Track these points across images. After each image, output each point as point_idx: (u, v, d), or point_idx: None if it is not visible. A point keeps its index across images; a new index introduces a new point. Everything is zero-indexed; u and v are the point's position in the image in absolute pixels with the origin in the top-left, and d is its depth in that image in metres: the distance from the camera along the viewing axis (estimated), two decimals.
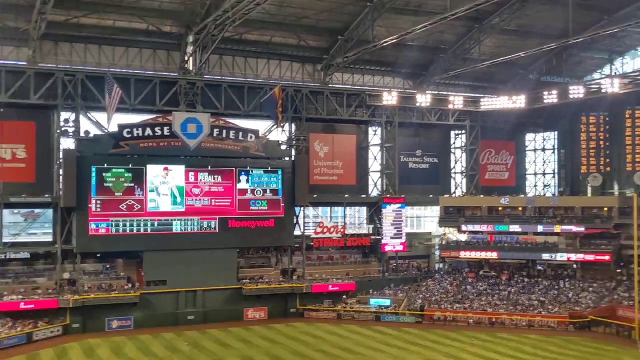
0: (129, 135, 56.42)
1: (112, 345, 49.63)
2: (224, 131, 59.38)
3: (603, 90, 62.85)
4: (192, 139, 57.07)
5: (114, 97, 53.15)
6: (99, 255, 58.51)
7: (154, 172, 57.30)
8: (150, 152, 56.90)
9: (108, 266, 59.20)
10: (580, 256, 63.62)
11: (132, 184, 56.63)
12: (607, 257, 62.29)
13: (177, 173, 58.13)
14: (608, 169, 68.66)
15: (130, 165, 56.61)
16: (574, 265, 65.02)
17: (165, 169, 57.55)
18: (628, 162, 66.46)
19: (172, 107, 57.98)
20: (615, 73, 67.87)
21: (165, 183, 57.84)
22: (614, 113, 68.34)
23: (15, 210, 56.40)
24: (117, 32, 57.07)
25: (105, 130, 56.74)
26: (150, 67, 59.60)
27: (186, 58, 58.94)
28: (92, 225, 55.35)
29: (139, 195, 56.69)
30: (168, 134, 56.93)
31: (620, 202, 63.06)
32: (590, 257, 63.21)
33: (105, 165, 55.85)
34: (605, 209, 64.28)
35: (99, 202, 55.32)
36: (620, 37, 61.07)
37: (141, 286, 57.08)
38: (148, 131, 56.88)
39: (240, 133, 60.18)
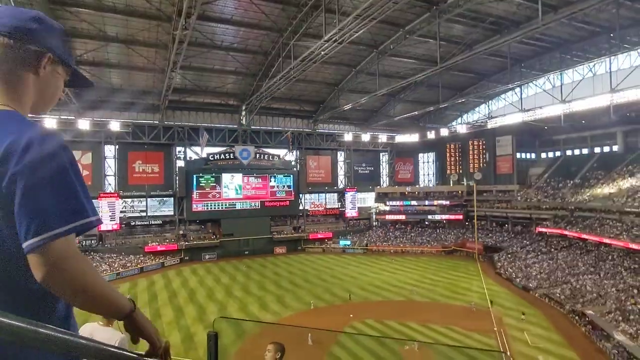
0: (212, 158, 60.03)
1: (205, 267, 52.92)
2: (262, 155, 63.34)
3: (457, 131, 66.58)
4: (245, 160, 60.99)
5: (203, 139, 56.97)
6: (197, 221, 61.13)
7: (225, 177, 60.79)
8: (223, 167, 60.40)
9: (203, 227, 61.76)
10: (447, 216, 67.85)
11: (215, 184, 59.97)
12: (460, 217, 66.41)
13: (237, 178, 61.61)
14: (460, 171, 71.11)
15: (213, 174, 59.77)
16: (444, 221, 68.37)
17: (232, 176, 61.35)
18: (471, 167, 69.37)
19: (234, 143, 61.44)
20: (462, 122, 69.39)
21: (232, 183, 61.27)
22: (463, 142, 70.03)
23: (154, 199, 59.60)
24: (205, 104, 59.65)
25: (200, 156, 59.84)
26: (222, 122, 62.03)
27: (241, 117, 61.92)
28: (194, 206, 58.91)
29: (218, 189, 60.15)
30: (232, 157, 60.66)
31: (467, 188, 66.22)
32: (452, 217, 67.36)
33: (200, 174, 59.10)
34: (460, 191, 68.09)
35: (197, 193, 58.78)
36: (466, 103, 64.21)
37: (220, 237, 60.03)
38: (222, 156, 60.46)
39: (270, 156, 64.23)
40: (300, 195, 68.39)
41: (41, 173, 1.02)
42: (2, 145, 1.03)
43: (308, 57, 38.21)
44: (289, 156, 68.41)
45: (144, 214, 59.36)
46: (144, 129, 57.13)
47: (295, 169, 68.55)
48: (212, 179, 60.61)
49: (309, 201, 71.26)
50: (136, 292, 41.34)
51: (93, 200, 1.17)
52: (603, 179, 52.17)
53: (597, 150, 60.55)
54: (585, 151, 62.17)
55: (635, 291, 33.23)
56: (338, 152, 74.46)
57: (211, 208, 60.99)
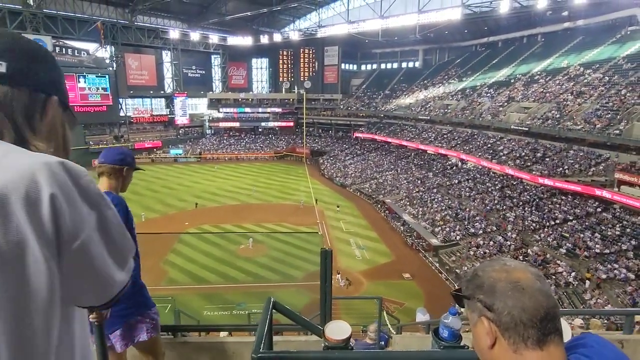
0: None
1: None
2: (64, 49, 52.77)
3: (290, 38, 65.38)
4: None
5: None
6: None
7: None
8: None
9: None
10: (279, 124, 70.19)
11: None
12: (291, 124, 69.57)
13: None
14: (292, 78, 72.36)
15: None
16: (277, 128, 70.63)
17: None
18: (301, 76, 70.91)
19: (20, 30, 47.49)
20: (295, 29, 67.21)
21: None
22: (295, 49, 70.33)
23: None
24: None
25: None
26: None
27: None
28: None
29: None
30: None
31: (298, 96, 69.08)
32: (284, 124, 69.98)
33: None
34: (291, 99, 70.52)
35: None
36: (298, 9, 63.47)
37: None
38: None
39: (76, 51, 54.19)
40: (121, 99, 60.77)
41: None
42: None
43: None
44: (102, 52, 58.31)
45: None
46: None
47: (111, 68, 59.31)
48: None
49: (132, 107, 64.11)
50: None
51: None
52: (406, 90, 61.42)
53: (404, 65, 70.27)
54: (395, 65, 71.36)
55: (419, 182, 42.40)
56: (163, 52, 66.79)
57: None
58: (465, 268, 25.21)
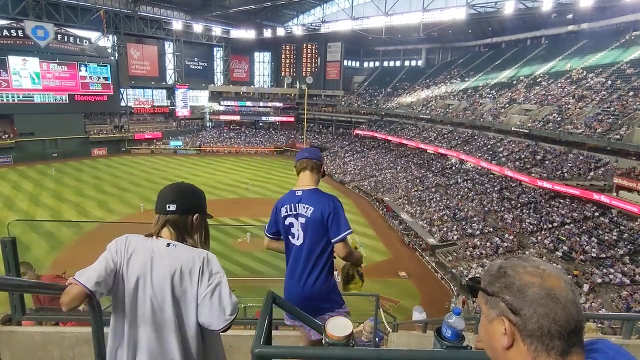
0: None
1: None
2: (65, 37, 52.39)
3: (293, 32, 65.19)
4: (41, 41, 49.62)
5: None
6: None
7: (14, 60, 49.07)
8: (9, 47, 48.27)
9: None
10: (280, 118, 69.94)
11: None
12: (292, 119, 69.29)
13: (32, 63, 50.42)
14: (294, 73, 71.76)
15: None
16: (277, 123, 70.39)
17: (24, 59, 49.72)
18: (303, 71, 70.83)
19: (22, 17, 48.60)
20: (298, 24, 67.22)
21: (24, 69, 49.98)
22: (298, 44, 69.71)
23: None
24: None
25: None
26: None
27: None
28: None
29: (4, 76, 48.76)
30: (22, 35, 48.59)
31: (299, 91, 68.45)
32: (285, 119, 69.66)
33: None
34: (292, 94, 69.55)
35: None
36: (302, 4, 62.78)
37: (15, 136, 50.49)
38: (5, 33, 48.00)
39: (77, 39, 53.60)
40: (122, 89, 60.34)
41: (338, 214, 2.68)
42: (324, 203, 2.76)
43: None
44: (104, 41, 57.87)
45: None
46: None
47: (113, 57, 58.83)
48: None
49: (133, 97, 63.62)
50: None
51: None
52: (408, 89, 61.25)
53: (406, 63, 69.95)
54: (397, 64, 71.05)
55: (418, 181, 42.39)
56: (166, 43, 66.24)
57: None
58: (461, 268, 25.27)
